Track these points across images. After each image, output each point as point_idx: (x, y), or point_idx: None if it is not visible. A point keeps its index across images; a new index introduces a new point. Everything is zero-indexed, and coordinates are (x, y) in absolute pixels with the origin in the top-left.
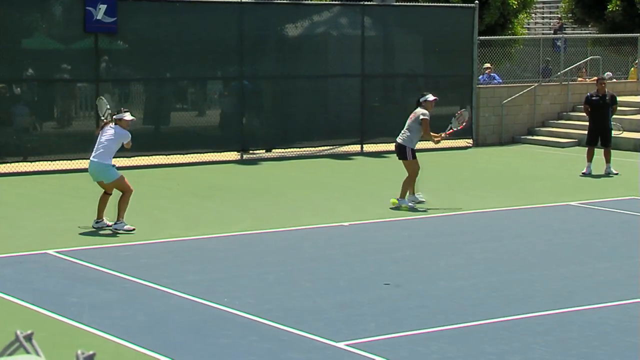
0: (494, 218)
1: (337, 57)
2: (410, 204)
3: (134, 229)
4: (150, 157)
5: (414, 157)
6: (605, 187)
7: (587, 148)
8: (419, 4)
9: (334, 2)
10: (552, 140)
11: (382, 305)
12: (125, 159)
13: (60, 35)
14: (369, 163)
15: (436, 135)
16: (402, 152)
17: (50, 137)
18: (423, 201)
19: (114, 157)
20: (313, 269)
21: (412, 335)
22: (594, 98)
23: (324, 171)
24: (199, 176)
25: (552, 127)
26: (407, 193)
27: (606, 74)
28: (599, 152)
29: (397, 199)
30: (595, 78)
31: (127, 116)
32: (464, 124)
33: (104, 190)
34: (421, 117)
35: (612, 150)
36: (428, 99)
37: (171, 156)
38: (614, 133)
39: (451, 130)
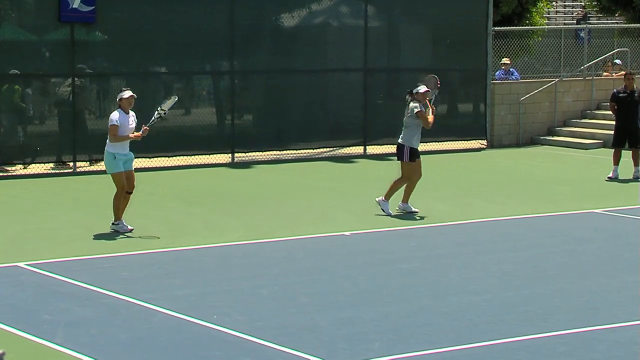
0: (510, 226)
1: (338, 49)
2: (388, 210)
3: (131, 229)
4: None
5: (414, 158)
6: (634, 192)
7: (613, 150)
8: None
9: None
10: (574, 141)
11: (387, 323)
12: None
13: (32, 25)
14: (373, 166)
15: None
16: (399, 151)
17: (21, 138)
18: (413, 211)
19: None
20: (311, 283)
21: (421, 355)
22: (621, 95)
23: (323, 175)
24: (185, 180)
25: (575, 126)
26: (404, 197)
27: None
28: (626, 155)
29: (378, 200)
30: (623, 72)
31: (125, 94)
32: (438, 86)
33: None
34: (415, 110)
35: None
36: (420, 91)
37: (155, 159)
38: None
39: (433, 99)
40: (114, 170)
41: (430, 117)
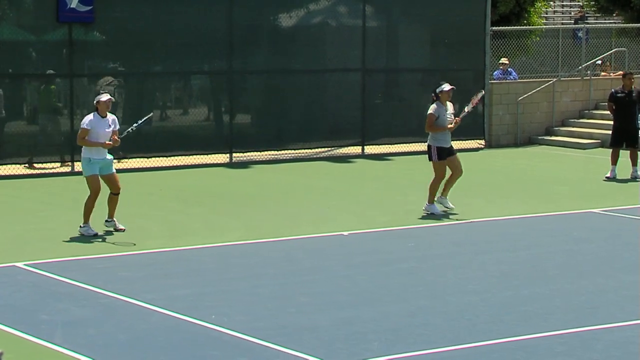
0: (509, 226)
1: (336, 49)
2: (437, 209)
3: (96, 234)
4: (130, 159)
5: (440, 157)
6: (632, 192)
7: (611, 150)
8: None
9: None
10: (572, 141)
11: (385, 323)
12: None
13: (30, 25)
14: (371, 166)
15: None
16: (428, 152)
17: (20, 138)
18: (449, 208)
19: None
20: (310, 283)
21: (419, 355)
22: (619, 95)
23: (321, 175)
24: (184, 180)
25: (573, 126)
26: (436, 197)
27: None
28: (624, 154)
29: (424, 208)
30: (621, 72)
31: (102, 97)
32: (475, 102)
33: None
34: (428, 112)
35: (639, 152)
36: (444, 89)
37: (153, 159)
38: None
39: (464, 113)
40: (87, 173)
41: (451, 126)
